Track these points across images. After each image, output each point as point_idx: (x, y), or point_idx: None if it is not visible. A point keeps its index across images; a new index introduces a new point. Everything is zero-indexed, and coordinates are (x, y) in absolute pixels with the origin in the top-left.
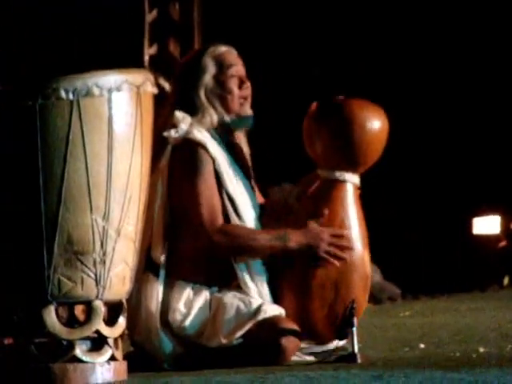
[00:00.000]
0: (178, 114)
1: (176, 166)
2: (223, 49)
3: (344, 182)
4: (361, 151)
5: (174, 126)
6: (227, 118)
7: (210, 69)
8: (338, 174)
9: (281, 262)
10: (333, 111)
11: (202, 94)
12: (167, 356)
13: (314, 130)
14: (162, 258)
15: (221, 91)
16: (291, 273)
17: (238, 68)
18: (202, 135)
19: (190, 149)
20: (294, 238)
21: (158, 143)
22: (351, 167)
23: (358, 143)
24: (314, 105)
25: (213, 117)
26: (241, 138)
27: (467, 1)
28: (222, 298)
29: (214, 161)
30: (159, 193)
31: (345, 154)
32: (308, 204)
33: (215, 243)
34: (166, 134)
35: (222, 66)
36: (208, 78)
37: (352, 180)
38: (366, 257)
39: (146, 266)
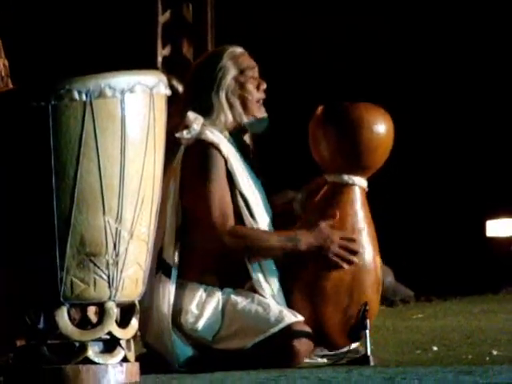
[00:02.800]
0: (191, 115)
1: (188, 166)
2: (240, 50)
3: (352, 185)
4: (368, 154)
5: (187, 126)
6: (245, 120)
7: (231, 70)
8: (347, 178)
9: (293, 265)
10: (339, 115)
11: (222, 95)
12: (179, 357)
13: (320, 134)
14: (175, 259)
15: (241, 92)
16: (304, 278)
17: (255, 70)
18: (215, 136)
19: (202, 149)
20: (305, 240)
21: (171, 144)
22: (359, 170)
23: (366, 146)
24: (319, 109)
25: (228, 118)
26: (249, 141)
27: (468, 4)
28: (238, 301)
29: (226, 161)
30: (171, 193)
31: (352, 157)
32: (317, 209)
33: (226, 245)
34: (178, 134)
35: (241, 67)
36: (229, 80)
37: (360, 183)
38: (377, 260)
39: (158, 267)
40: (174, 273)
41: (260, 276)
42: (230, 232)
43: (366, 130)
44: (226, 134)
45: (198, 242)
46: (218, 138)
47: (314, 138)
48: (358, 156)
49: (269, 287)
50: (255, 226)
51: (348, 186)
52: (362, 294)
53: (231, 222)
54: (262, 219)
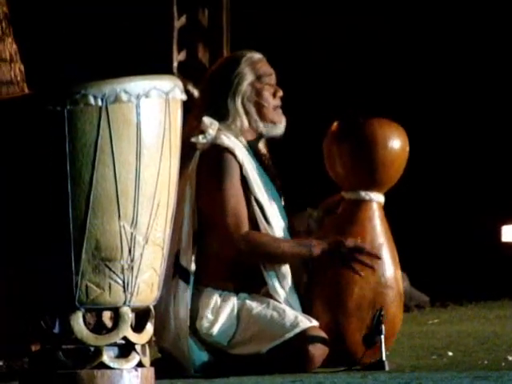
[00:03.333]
0: (206, 120)
1: (203, 171)
2: (258, 56)
3: (370, 201)
4: (384, 170)
5: (202, 131)
6: (261, 125)
7: (248, 76)
8: (364, 194)
9: (314, 283)
10: (354, 131)
11: (238, 100)
12: (195, 362)
13: (335, 150)
14: (191, 264)
15: (257, 99)
16: (326, 295)
17: (272, 77)
18: (230, 141)
19: (217, 154)
20: (318, 246)
21: (186, 149)
22: (375, 186)
23: (382, 162)
24: (333, 125)
25: (244, 123)
26: (264, 147)
27: (472, 4)
28: (253, 306)
29: (241, 167)
30: (187, 198)
31: (368, 173)
32: (334, 226)
33: (240, 251)
34: (193, 139)
35: (258, 74)
36: (246, 86)
37: (377, 199)
38: (398, 275)
39: (175, 272)
40: (192, 277)
41: (275, 281)
42: (244, 238)
43: (380, 145)
44: (242, 139)
45: (213, 246)
46: (234, 143)
47: (328, 155)
48: (374, 172)
49: (284, 292)
50: (270, 231)
51: (365, 202)
52: (384, 308)
53: (245, 227)
54: (277, 225)
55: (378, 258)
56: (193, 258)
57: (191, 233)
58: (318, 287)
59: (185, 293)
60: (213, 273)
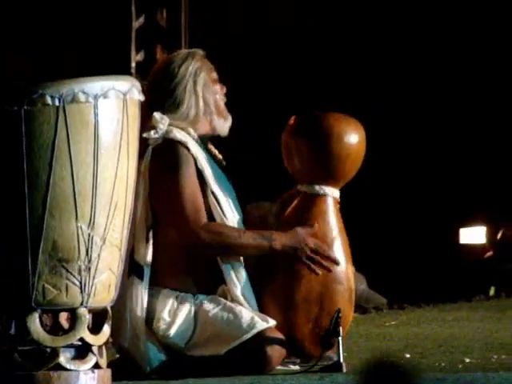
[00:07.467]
0: (157, 115)
1: (157, 166)
2: (201, 53)
3: (324, 195)
4: (339, 164)
5: (153, 127)
6: (215, 118)
7: (204, 68)
8: (318, 188)
9: (263, 275)
10: (311, 125)
11: (198, 88)
12: (152, 362)
13: (291, 144)
14: (146, 260)
15: (214, 91)
16: (274, 288)
17: (216, 72)
18: (182, 135)
19: (171, 148)
20: (279, 239)
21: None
22: (330, 181)
23: (337, 157)
24: (291, 119)
25: (200, 112)
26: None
27: (464, 7)
28: (210, 308)
29: (195, 160)
30: (140, 195)
31: (324, 167)
32: (289, 219)
33: (200, 240)
34: (145, 134)
35: (209, 67)
36: (204, 76)
37: (332, 194)
38: (350, 270)
39: (130, 269)
40: (147, 275)
41: (232, 273)
42: (205, 227)
43: (335, 140)
44: (192, 131)
45: (170, 243)
46: (185, 137)
47: (286, 149)
48: (328, 166)
49: (240, 285)
50: (226, 224)
51: (320, 196)
52: (332, 303)
53: (204, 218)
54: (232, 219)
55: (337, 263)
56: (148, 253)
57: (144, 229)
58: (266, 281)
59: (140, 290)
60: (169, 273)
